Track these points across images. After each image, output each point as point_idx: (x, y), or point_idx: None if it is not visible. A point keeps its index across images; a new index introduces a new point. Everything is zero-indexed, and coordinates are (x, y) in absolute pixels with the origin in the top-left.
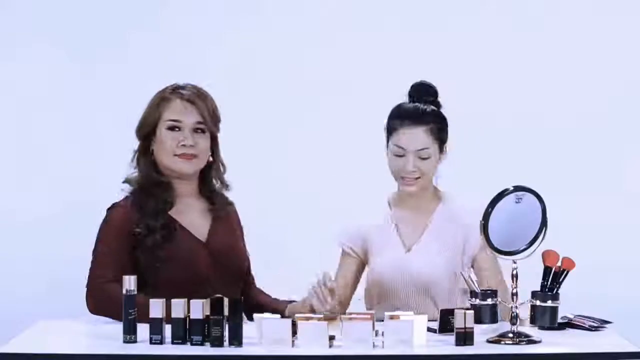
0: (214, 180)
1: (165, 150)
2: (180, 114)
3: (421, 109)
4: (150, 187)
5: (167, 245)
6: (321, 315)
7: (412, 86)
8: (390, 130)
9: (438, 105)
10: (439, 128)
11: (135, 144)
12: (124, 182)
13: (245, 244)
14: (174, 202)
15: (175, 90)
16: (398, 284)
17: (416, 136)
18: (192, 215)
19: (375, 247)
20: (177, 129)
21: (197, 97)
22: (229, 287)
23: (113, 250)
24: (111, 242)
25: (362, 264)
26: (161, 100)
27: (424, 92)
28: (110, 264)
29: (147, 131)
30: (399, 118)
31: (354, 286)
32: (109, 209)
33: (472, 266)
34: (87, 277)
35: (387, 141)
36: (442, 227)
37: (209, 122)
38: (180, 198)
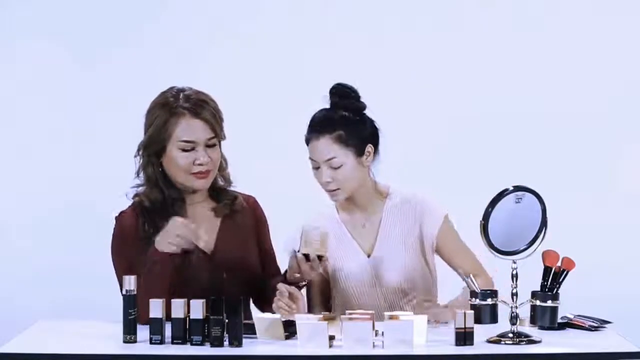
0: (218, 179)
1: (179, 169)
2: (192, 134)
3: (326, 118)
4: (166, 204)
5: (180, 268)
6: (321, 316)
7: (330, 90)
8: (306, 142)
9: (359, 107)
10: (350, 134)
11: (135, 146)
12: (134, 197)
13: (266, 239)
14: (187, 218)
15: (179, 100)
16: (367, 292)
17: (322, 146)
18: (199, 224)
19: (333, 258)
20: (190, 149)
21: (204, 109)
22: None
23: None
24: (134, 251)
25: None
26: (170, 116)
27: (341, 96)
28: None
29: (156, 149)
30: (309, 129)
31: (327, 290)
32: (116, 217)
33: (437, 252)
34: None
35: None
36: (395, 224)
37: (219, 133)
38: (189, 206)
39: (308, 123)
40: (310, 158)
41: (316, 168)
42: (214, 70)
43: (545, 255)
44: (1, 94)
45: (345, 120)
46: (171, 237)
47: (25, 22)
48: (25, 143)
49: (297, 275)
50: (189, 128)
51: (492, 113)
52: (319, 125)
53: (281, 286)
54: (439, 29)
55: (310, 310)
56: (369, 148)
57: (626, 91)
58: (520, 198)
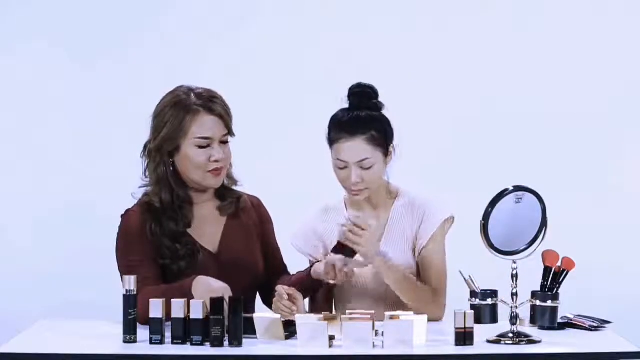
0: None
1: (195, 166)
2: (209, 130)
3: (357, 118)
4: (173, 205)
5: (186, 271)
6: (321, 316)
7: (350, 90)
8: (331, 142)
9: (379, 107)
10: (380, 134)
11: (135, 146)
12: (143, 197)
13: (272, 238)
14: (193, 219)
15: (191, 98)
16: (368, 288)
17: (355, 148)
18: (205, 224)
19: None
20: (206, 146)
21: (217, 105)
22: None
23: (144, 257)
24: (139, 250)
25: None
26: (186, 114)
27: (362, 96)
28: (148, 267)
29: (170, 148)
30: (336, 130)
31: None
32: (123, 215)
33: (419, 255)
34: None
35: (331, 151)
36: (400, 224)
37: (231, 129)
38: (196, 206)
39: (332, 123)
40: (337, 158)
41: (342, 168)
42: (214, 70)
43: (545, 255)
44: (1, 94)
45: (372, 122)
46: (204, 296)
47: (25, 22)
48: (25, 143)
49: (332, 281)
50: (205, 125)
51: (492, 113)
52: (350, 126)
53: (279, 288)
54: (439, 29)
55: (313, 305)
56: (391, 148)
57: (626, 91)
58: (520, 198)
